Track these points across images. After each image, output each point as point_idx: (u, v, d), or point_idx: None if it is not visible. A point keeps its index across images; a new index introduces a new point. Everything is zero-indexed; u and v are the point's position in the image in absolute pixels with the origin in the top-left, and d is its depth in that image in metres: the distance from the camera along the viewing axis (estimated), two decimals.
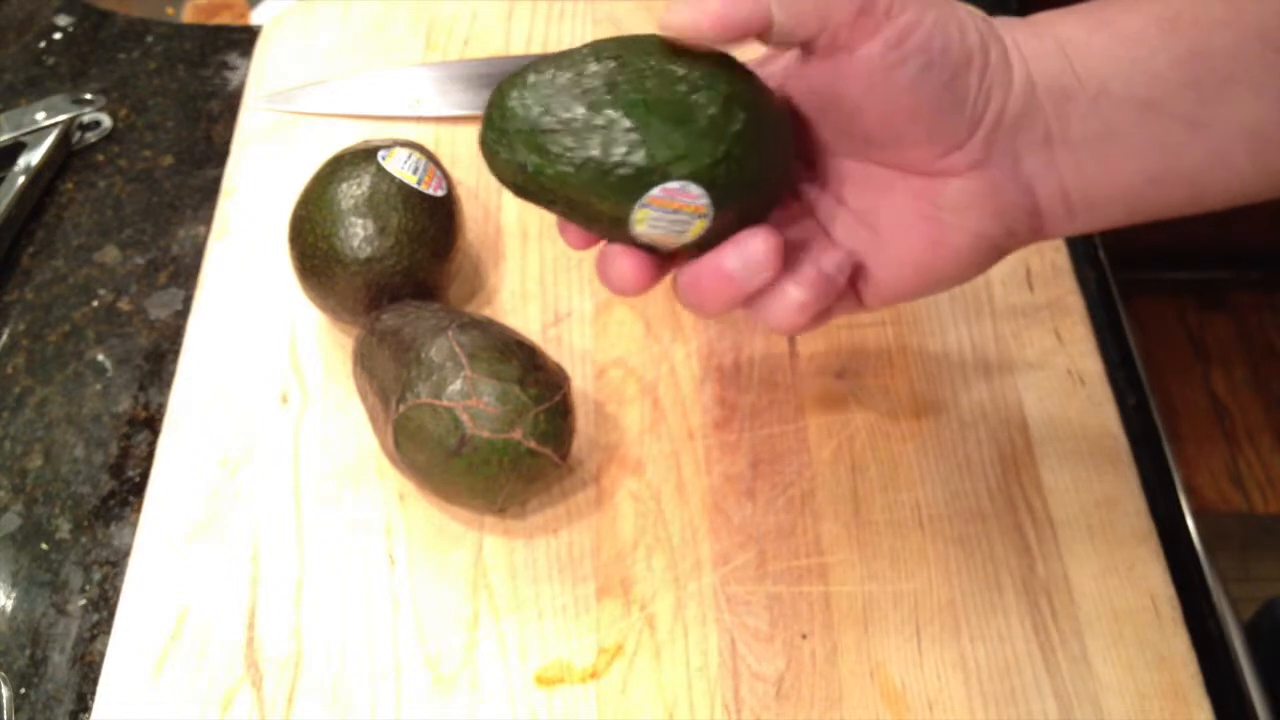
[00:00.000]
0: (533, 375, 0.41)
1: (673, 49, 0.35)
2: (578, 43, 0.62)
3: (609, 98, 0.34)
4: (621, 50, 0.35)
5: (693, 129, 0.34)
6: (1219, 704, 0.40)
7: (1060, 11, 0.35)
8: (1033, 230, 0.37)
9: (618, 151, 0.34)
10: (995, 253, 0.37)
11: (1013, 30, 0.36)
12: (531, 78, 0.35)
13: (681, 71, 0.35)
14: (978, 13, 0.36)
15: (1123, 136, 0.35)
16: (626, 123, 0.34)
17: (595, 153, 0.34)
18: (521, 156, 0.35)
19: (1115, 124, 0.35)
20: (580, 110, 0.34)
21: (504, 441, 0.40)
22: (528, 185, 0.35)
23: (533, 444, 0.40)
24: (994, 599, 0.42)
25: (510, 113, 0.35)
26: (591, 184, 0.34)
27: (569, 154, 0.34)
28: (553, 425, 0.41)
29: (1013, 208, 0.36)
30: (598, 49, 0.35)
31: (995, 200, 0.36)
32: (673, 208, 0.34)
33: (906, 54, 0.33)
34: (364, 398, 0.45)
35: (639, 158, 0.34)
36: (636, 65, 0.35)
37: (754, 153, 0.35)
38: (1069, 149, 0.36)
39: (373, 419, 0.44)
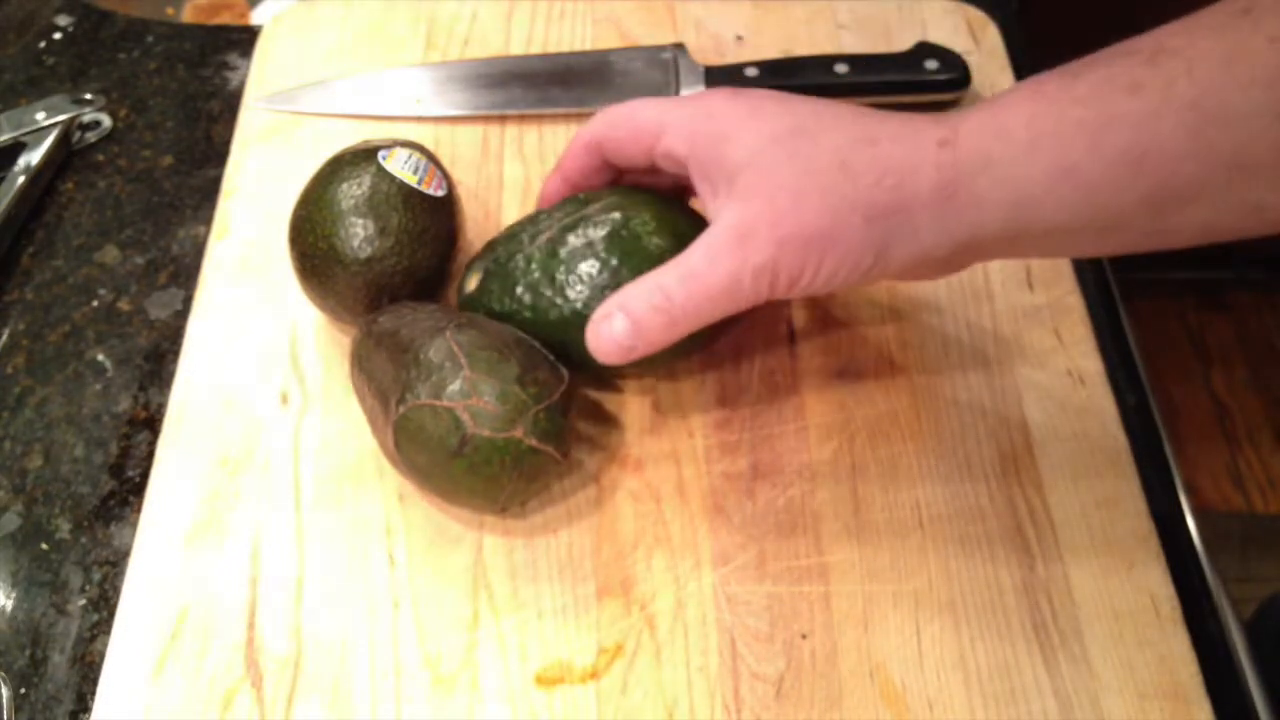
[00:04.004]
0: (532, 373, 0.41)
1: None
2: (578, 43, 0.64)
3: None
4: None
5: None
6: (1219, 704, 0.40)
7: (1025, 149, 0.35)
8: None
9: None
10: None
11: (971, 181, 0.36)
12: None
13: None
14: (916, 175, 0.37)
15: (1071, 245, 0.38)
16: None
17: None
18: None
19: (1064, 244, 0.38)
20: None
21: (505, 440, 0.40)
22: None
23: (534, 441, 0.40)
24: (994, 599, 0.42)
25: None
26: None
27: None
28: (553, 422, 0.41)
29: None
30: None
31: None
32: None
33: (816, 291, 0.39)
34: (362, 400, 0.45)
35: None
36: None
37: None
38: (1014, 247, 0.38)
39: (372, 421, 0.44)
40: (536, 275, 0.44)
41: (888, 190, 0.36)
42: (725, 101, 0.40)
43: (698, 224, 0.43)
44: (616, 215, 0.44)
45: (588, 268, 0.43)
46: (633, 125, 0.42)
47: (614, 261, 0.43)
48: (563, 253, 0.44)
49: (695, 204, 0.44)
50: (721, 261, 0.38)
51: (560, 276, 0.44)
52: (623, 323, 0.39)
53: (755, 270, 0.37)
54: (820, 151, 0.37)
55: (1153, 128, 0.33)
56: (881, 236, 0.37)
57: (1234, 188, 0.33)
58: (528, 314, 0.44)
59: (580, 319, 0.43)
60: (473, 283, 0.46)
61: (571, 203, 0.46)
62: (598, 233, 0.43)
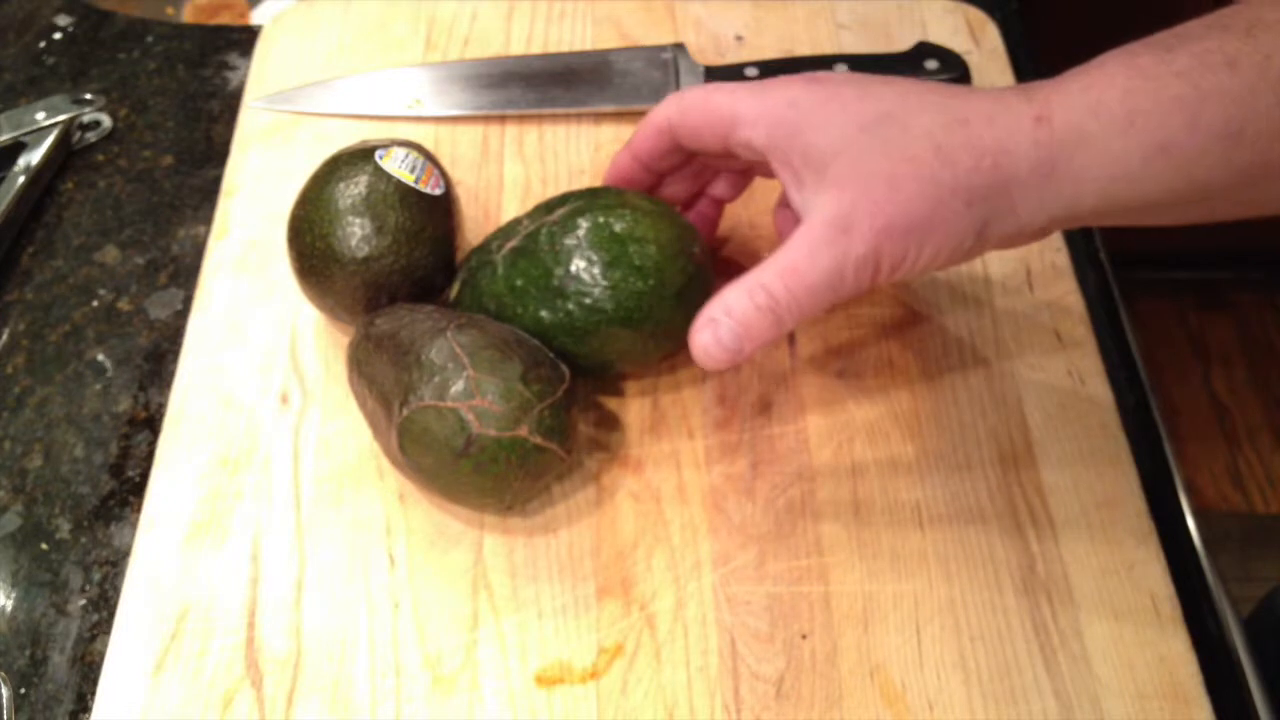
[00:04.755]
0: (534, 371, 0.41)
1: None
2: (578, 43, 0.64)
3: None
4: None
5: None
6: (1219, 703, 0.40)
7: (1123, 126, 0.35)
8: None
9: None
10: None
11: (1069, 158, 0.36)
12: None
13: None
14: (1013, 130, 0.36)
15: (1162, 216, 0.37)
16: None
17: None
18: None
19: (1156, 216, 0.37)
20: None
21: (511, 439, 0.40)
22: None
23: (539, 439, 0.40)
24: (994, 599, 0.42)
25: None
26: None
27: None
28: (557, 420, 0.41)
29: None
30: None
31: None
32: None
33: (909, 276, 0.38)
34: (362, 404, 0.45)
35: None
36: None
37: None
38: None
39: (374, 425, 0.44)
40: (500, 285, 0.45)
41: (986, 172, 0.36)
42: (804, 89, 0.39)
43: (657, 221, 0.44)
44: (576, 220, 0.44)
45: (544, 275, 0.44)
46: (705, 112, 0.41)
47: (570, 267, 0.43)
48: (522, 263, 0.44)
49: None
50: (822, 255, 0.37)
51: (520, 284, 0.44)
52: (728, 326, 0.38)
53: (858, 261, 0.37)
54: (912, 138, 0.36)
55: (1250, 104, 0.33)
56: (981, 217, 0.37)
57: None
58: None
59: (541, 325, 0.44)
60: (453, 291, 0.47)
61: (539, 209, 0.47)
62: (557, 241, 0.44)
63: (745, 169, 0.47)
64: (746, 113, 0.40)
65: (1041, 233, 0.38)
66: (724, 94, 0.41)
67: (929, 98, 0.38)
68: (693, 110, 0.42)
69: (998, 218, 0.37)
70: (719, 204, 0.49)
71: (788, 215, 0.44)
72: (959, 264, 0.39)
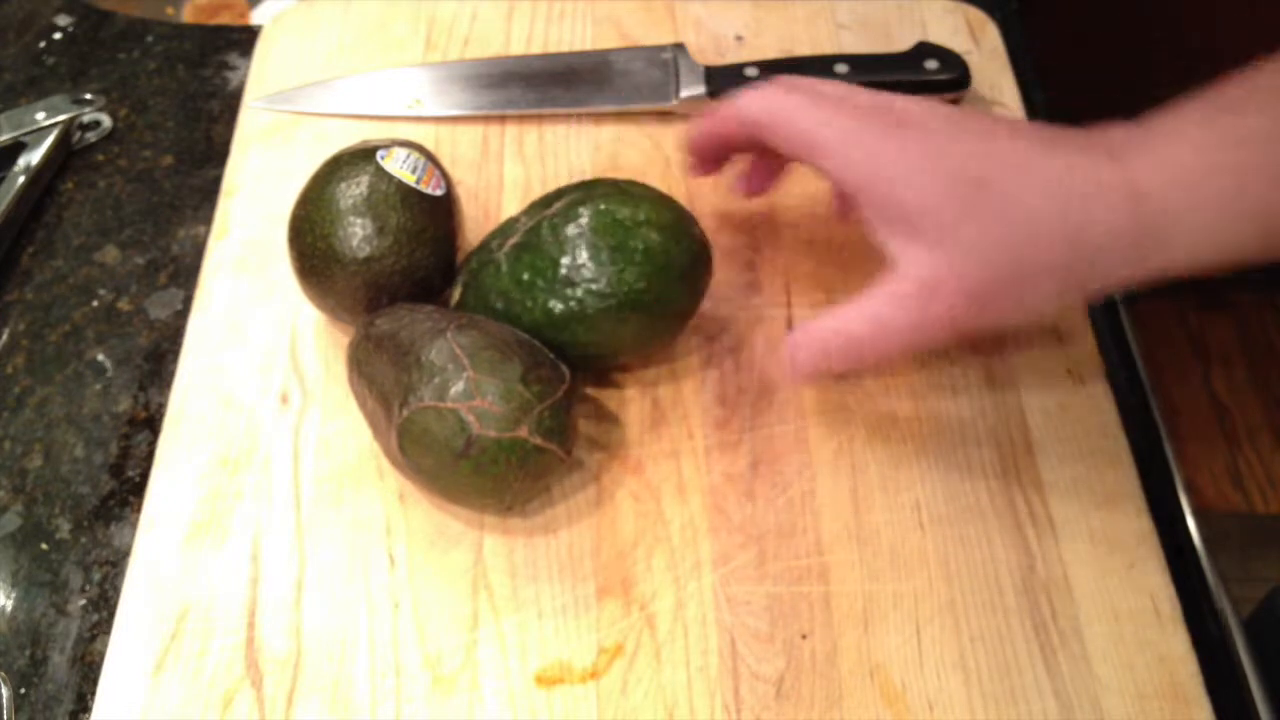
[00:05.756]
0: (534, 372, 0.41)
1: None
2: (578, 43, 0.64)
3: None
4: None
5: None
6: (1219, 703, 0.40)
7: (1211, 198, 0.36)
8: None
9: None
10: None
11: (1158, 231, 0.36)
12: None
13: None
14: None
15: (1238, 263, 0.38)
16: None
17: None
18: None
19: (1234, 265, 0.38)
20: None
21: (511, 440, 0.40)
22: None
23: (539, 440, 0.40)
24: (994, 599, 0.42)
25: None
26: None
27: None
28: (557, 420, 0.41)
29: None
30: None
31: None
32: None
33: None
34: (362, 404, 0.45)
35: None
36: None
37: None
38: None
39: (374, 425, 0.44)
40: (506, 282, 0.45)
41: (1077, 249, 0.37)
42: (894, 135, 0.39)
43: (657, 205, 0.44)
44: (577, 210, 0.44)
45: (550, 266, 0.44)
46: (791, 131, 0.42)
47: (576, 257, 0.44)
48: (527, 257, 0.44)
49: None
50: (908, 311, 0.39)
51: (526, 278, 0.44)
52: (809, 356, 0.41)
53: (940, 320, 0.39)
54: (1006, 207, 0.37)
55: None
56: (1065, 286, 0.38)
57: None
58: (504, 320, 0.45)
59: (552, 317, 0.44)
60: (455, 294, 0.47)
61: (535, 206, 0.47)
62: (559, 232, 0.44)
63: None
64: (834, 146, 0.40)
65: (1119, 289, 0.40)
66: (810, 116, 0.41)
67: (1020, 159, 0.38)
68: (780, 124, 0.42)
69: (1084, 284, 0.38)
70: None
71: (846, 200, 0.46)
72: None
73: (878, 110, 0.40)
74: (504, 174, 0.55)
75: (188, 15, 0.73)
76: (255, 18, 0.72)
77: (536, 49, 0.61)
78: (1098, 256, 0.37)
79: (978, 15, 0.61)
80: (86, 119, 0.61)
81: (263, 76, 0.60)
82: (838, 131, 0.40)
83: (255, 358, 0.50)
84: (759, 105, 0.43)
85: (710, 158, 0.48)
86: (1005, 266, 0.37)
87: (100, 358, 0.52)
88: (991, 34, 0.61)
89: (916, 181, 0.38)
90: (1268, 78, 0.37)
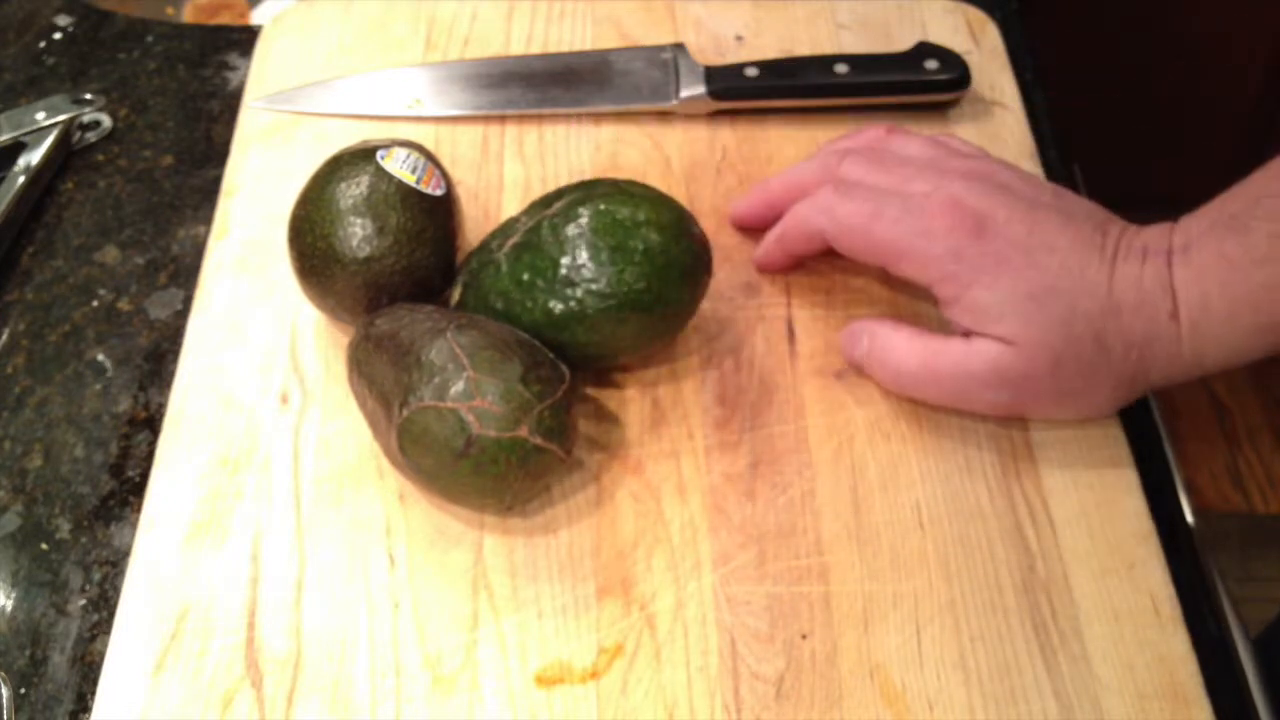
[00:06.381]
0: (534, 372, 0.41)
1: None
2: (578, 43, 0.64)
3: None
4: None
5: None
6: (1219, 703, 0.40)
7: (1225, 318, 0.41)
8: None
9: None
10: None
11: (1195, 345, 0.42)
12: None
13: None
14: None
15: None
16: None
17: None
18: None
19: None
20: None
21: (511, 440, 0.40)
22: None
23: (539, 440, 0.40)
24: (994, 599, 0.42)
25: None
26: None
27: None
28: (557, 420, 0.41)
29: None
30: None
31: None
32: None
33: None
34: (362, 404, 0.45)
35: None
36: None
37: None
38: None
39: (373, 425, 0.44)
40: (506, 282, 0.45)
41: (1133, 363, 0.42)
42: (971, 243, 0.43)
43: (657, 205, 0.44)
44: (577, 210, 0.44)
45: (550, 267, 0.44)
46: (868, 244, 0.46)
47: (576, 257, 0.44)
48: (526, 257, 0.44)
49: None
50: (982, 393, 0.44)
51: (526, 278, 0.44)
52: (868, 350, 0.47)
53: (997, 405, 0.45)
54: (1076, 318, 0.42)
55: None
56: (1119, 389, 0.44)
57: None
58: (504, 320, 0.45)
59: (552, 317, 0.44)
60: (455, 294, 0.47)
61: (535, 206, 0.47)
62: (560, 232, 0.44)
63: None
64: (914, 254, 0.44)
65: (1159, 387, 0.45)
66: (888, 227, 0.45)
67: (1087, 272, 0.42)
68: (852, 235, 0.46)
69: (1132, 391, 0.44)
70: None
71: None
72: None
73: (941, 206, 0.44)
74: (504, 174, 0.55)
75: (188, 15, 0.73)
76: (255, 18, 0.72)
77: (536, 49, 0.61)
78: (1150, 367, 0.42)
79: (978, 15, 0.61)
80: (86, 119, 0.61)
81: (263, 76, 0.60)
82: (915, 237, 0.44)
83: (255, 358, 0.50)
84: (818, 216, 0.47)
85: (778, 270, 0.51)
86: (1072, 378, 0.43)
87: (100, 358, 0.52)
88: (991, 34, 0.61)
89: (994, 287, 0.42)
90: (1263, 190, 0.41)
